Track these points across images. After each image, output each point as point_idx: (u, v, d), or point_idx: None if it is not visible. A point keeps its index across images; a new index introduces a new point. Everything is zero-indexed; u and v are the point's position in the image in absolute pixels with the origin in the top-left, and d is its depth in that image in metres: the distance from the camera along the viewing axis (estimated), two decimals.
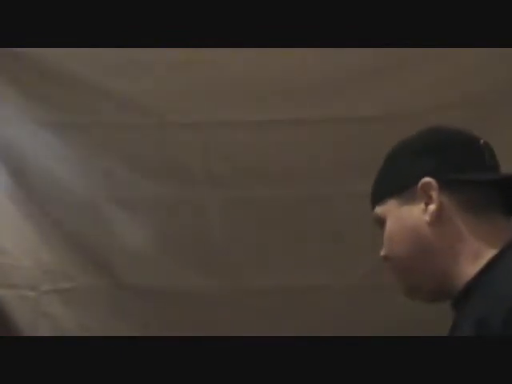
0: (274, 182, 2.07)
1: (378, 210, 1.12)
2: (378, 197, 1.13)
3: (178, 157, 2.09)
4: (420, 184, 1.05)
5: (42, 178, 2.09)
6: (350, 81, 2.01)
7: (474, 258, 1.03)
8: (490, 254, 1.02)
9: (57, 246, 2.10)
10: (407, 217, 1.07)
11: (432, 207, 1.04)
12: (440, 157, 1.07)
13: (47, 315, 2.11)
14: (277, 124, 2.04)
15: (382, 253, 1.14)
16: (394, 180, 1.11)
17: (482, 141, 1.10)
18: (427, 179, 1.05)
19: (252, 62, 2.00)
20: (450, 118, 1.86)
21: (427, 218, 1.05)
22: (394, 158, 1.14)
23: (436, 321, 1.90)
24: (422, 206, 1.05)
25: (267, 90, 2.03)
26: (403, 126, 1.90)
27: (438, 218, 1.04)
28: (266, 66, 2.01)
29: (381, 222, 1.12)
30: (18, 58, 2.03)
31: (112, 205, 2.10)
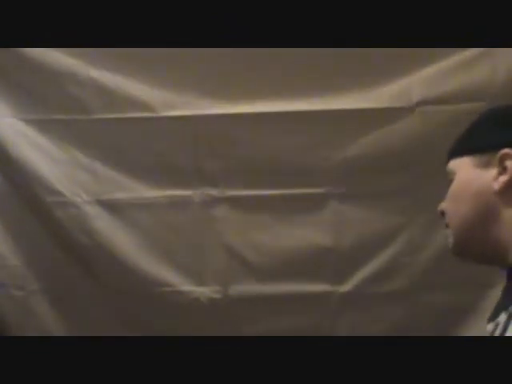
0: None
1: (452, 163, 1.15)
2: (456, 151, 1.15)
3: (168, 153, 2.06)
4: (500, 153, 1.07)
5: (25, 175, 2.06)
6: (351, 75, 1.99)
7: None
8: None
9: (43, 244, 2.08)
10: (476, 179, 1.09)
11: (504, 177, 1.06)
12: None
13: (35, 315, 2.09)
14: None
15: (441, 207, 1.16)
16: (476, 141, 1.12)
17: None
18: (507, 150, 1.06)
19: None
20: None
21: (496, 186, 1.06)
22: (483, 120, 1.15)
23: (435, 328, 1.92)
24: (494, 173, 1.07)
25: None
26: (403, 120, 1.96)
27: (506, 190, 1.06)
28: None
29: (451, 176, 1.14)
30: (4, 53, 2.01)
31: (96, 205, 2.07)
